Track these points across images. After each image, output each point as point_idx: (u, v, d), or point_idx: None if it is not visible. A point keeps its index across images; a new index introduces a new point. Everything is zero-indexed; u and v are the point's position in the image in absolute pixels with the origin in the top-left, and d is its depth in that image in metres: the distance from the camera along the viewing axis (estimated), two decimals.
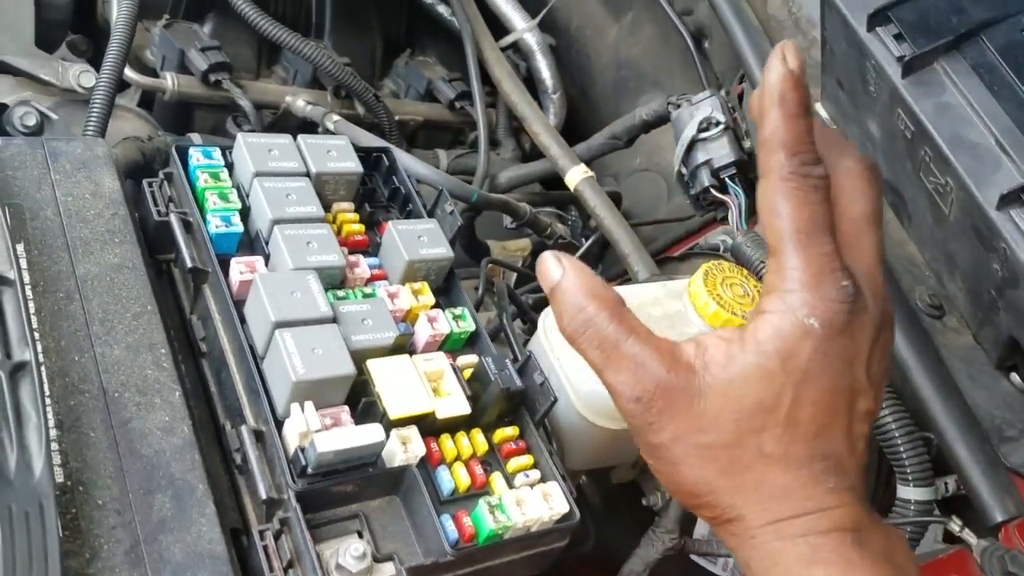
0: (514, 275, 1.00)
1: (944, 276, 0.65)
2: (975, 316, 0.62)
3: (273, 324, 0.50)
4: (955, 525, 0.59)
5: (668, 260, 0.96)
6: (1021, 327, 0.56)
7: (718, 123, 0.79)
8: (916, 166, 0.61)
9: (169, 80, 0.92)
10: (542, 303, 0.93)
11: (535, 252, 1.05)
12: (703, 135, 0.79)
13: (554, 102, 1.20)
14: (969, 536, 0.58)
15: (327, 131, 0.93)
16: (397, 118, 1.06)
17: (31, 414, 0.41)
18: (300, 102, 0.97)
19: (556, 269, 0.43)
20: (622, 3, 1.24)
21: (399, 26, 1.20)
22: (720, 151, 0.78)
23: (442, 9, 1.13)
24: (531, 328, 0.87)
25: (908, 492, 0.63)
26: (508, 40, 1.14)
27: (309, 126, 1.00)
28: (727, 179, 0.78)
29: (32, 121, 0.84)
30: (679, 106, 0.84)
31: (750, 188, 0.81)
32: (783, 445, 0.40)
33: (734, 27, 0.80)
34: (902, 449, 0.64)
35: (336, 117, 0.91)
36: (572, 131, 1.23)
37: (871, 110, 0.64)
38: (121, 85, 0.84)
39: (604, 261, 1.06)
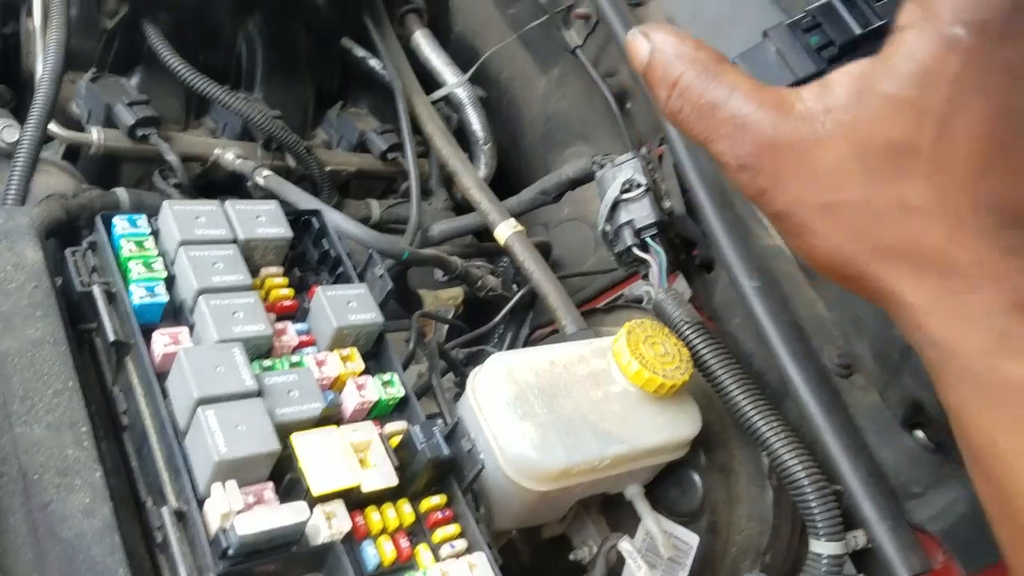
0: (446, 327, 1.01)
1: (852, 337, 0.68)
2: (881, 376, 0.66)
3: (196, 401, 0.50)
4: None
5: (595, 312, 0.99)
6: (925, 390, 0.59)
7: (639, 185, 0.82)
8: None
9: (95, 134, 0.91)
10: (473, 357, 0.94)
11: (468, 301, 1.06)
12: (625, 196, 0.82)
13: (485, 152, 1.22)
14: None
15: (256, 185, 0.93)
16: (329, 168, 1.07)
17: None
18: (229, 155, 0.97)
19: (643, 47, 0.38)
20: (549, 58, 1.27)
21: (331, 78, 1.21)
22: (641, 212, 0.81)
23: (373, 63, 1.14)
24: (463, 382, 0.88)
25: (819, 546, 0.65)
26: (439, 94, 1.16)
27: (239, 179, 1.00)
28: (648, 239, 0.81)
29: None
30: (603, 166, 0.87)
31: (670, 247, 0.84)
32: (933, 192, 0.33)
33: None
34: (813, 503, 0.66)
35: (266, 172, 0.91)
36: (504, 179, 1.26)
37: None
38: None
39: (535, 311, 1.08)
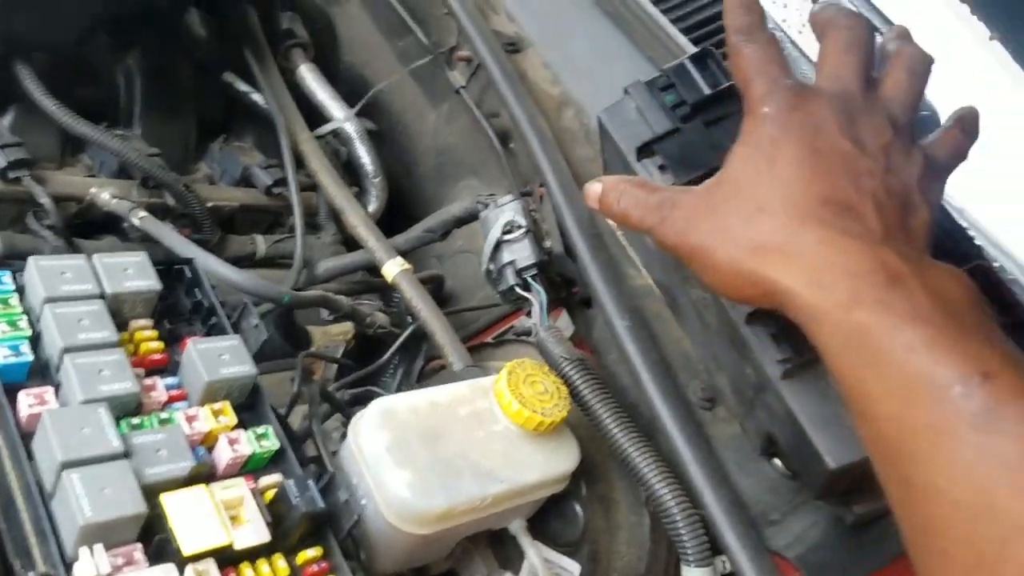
0: (335, 367, 1.01)
1: (713, 372, 0.72)
2: (739, 409, 0.70)
3: (60, 464, 0.50)
4: None
5: (485, 346, 1.01)
6: (774, 424, 0.63)
7: (520, 226, 0.84)
8: (683, 279, 0.68)
9: None
10: (360, 398, 0.95)
11: (360, 335, 1.07)
12: (507, 237, 0.84)
13: (375, 186, 1.22)
14: None
15: (132, 226, 0.91)
16: (211, 204, 1.06)
17: None
18: (105, 195, 0.95)
19: (596, 186, 0.60)
20: (439, 93, 1.29)
21: (214, 111, 1.20)
22: (523, 253, 0.83)
23: (256, 97, 1.14)
24: (348, 423, 0.88)
25: (690, 572, 0.69)
26: (326, 129, 1.16)
27: (116, 218, 0.98)
28: (530, 279, 0.83)
29: None
30: (487, 206, 0.90)
31: (551, 285, 0.87)
32: (777, 204, 0.47)
33: (530, 138, 0.86)
34: (682, 531, 0.69)
35: (143, 213, 0.90)
36: (398, 210, 1.27)
37: None
38: None
39: (428, 349, 1.09)
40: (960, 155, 0.55)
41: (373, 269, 1.07)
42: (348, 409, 0.84)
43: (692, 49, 0.89)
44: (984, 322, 0.43)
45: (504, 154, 1.02)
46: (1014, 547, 0.38)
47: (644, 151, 0.65)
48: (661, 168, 0.65)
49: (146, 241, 0.98)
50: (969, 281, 0.46)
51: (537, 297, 0.83)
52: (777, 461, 0.70)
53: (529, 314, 0.87)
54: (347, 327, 1.08)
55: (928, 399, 0.40)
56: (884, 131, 0.50)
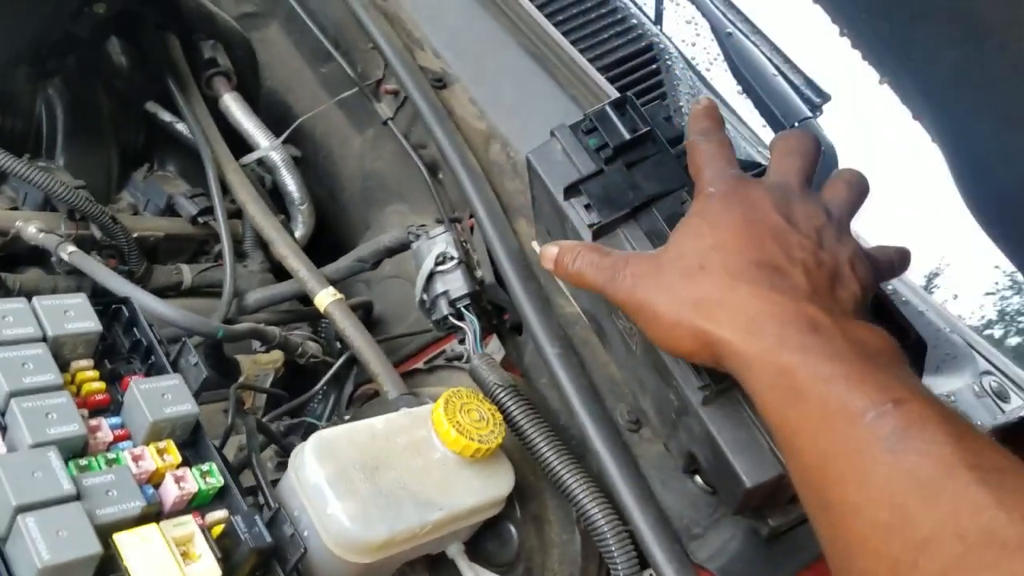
0: (265, 396, 1.02)
1: (638, 395, 0.77)
2: (663, 429, 0.74)
3: (14, 509, 0.50)
4: None
5: (418, 372, 1.03)
6: (694, 444, 0.68)
7: (452, 257, 0.88)
8: (609, 309, 0.73)
9: None
10: (294, 428, 0.96)
11: (288, 363, 1.07)
12: (440, 268, 0.87)
13: (302, 212, 1.24)
14: None
15: (60, 260, 0.91)
16: (136, 235, 1.05)
17: None
18: (31, 229, 0.94)
19: (552, 249, 0.66)
20: (364, 119, 1.31)
21: (136, 139, 1.19)
22: (455, 283, 0.87)
23: (180, 127, 1.14)
24: (284, 452, 0.90)
25: None
26: (252, 157, 1.17)
27: (42, 251, 0.98)
28: (463, 308, 0.87)
29: None
30: (419, 236, 0.92)
31: (483, 313, 0.90)
32: (718, 264, 0.53)
33: (459, 171, 0.89)
34: (612, 547, 0.73)
35: (71, 248, 0.90)
36: (322, 233, 1.28)
37: None
38: None
39: (358, 368, 1.11)
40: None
41: (303, 298, 1.08)
42: (283, 440, 0.85)
43: (609, 88, 0.94)
44: (898, 365, 0.48)
45: (432, 184, 1.05)
46: (926, 557, 0.41)
47: (571, 191, 0.69)
48: (587, 207, 0.69)
49: (72, 274, 0.98)
50: (891, 339, 0.51)
51: (470, 326, 0.86)
52: (698, 478, 0.75)
53: (462, 341, 0.90)
54: (276, 356, 1.09)
55: (844, 426, 0.45)
56: (818, 216, 0.57)
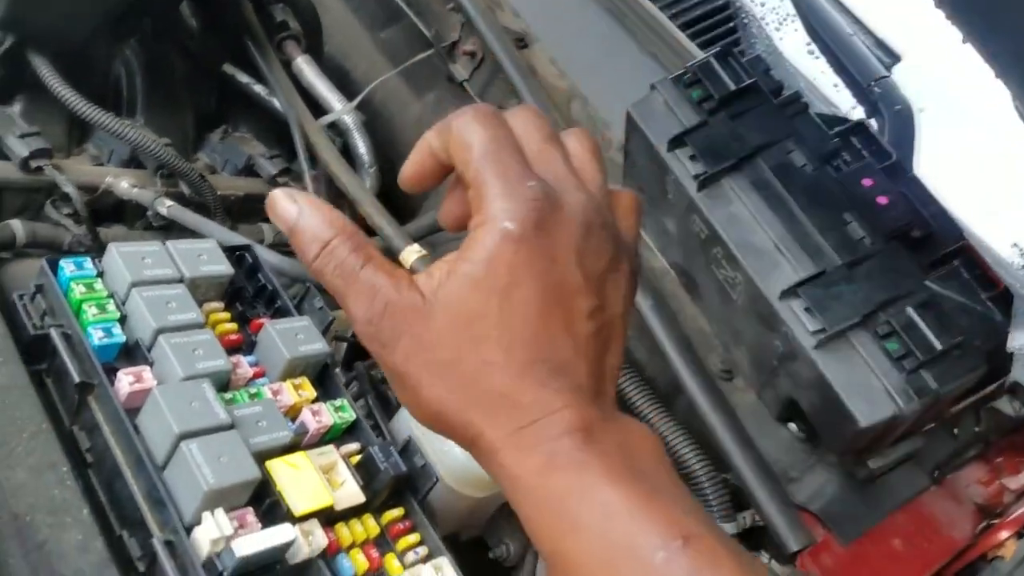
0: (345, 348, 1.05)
1: (731, 346, 0.79)
2: (758, 379, 0.77)
3: (177, 436, 0.53)
4: (764, 557, 0.72)
5: None
6: (798, 391, 0.70)
7: None
8: (708, 260, 0.75)
9: None
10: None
11: None
12: None
13: (370, 175, 1.25)
14: (775, 566, 0.71)
15: (158, 215, 0.93)
16: (220, 193, 1.08)
17: None
18: (124, 184, 0.96)
19: (292, 208, 0.44)
20: (423, 84, 1.32)
21: (209, 101, 1.21)
22: None
23: (259, 88, 1.16)
24: (377, 399, 0.92)
25: None
26: (327, 120, 1.18)
27: (124, 207, 1.00)
28: None
29: None
30: None
31: None
32: (501, 350, 0.41)
33: None
34: (707, 488, 0.77)
35: (168, 202, 0.92)
36: (383, 200, 1.30)
37: (669, 213, 0.77)
38: None
39: None
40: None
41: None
42: (382, 386, 0.88)
43: (690, 45, 0.96)
44: (672, 480, 0.44)
45: None
46: None
47: (675, 142, 0.71)
48: (692, 158, 0.71)
49: (157, 230, 1.00)
50: (654, 436, 0.46)
51: None
52: (792, 425, 0.78)
53: None
54: None
55: (631, 567, 0.40)
56: (608, 246, 0.44)
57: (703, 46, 0.98)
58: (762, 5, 1.15)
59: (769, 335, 0.70)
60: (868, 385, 0.64)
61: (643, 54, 0.98)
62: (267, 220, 1.20)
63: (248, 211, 1.18)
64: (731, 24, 1.11)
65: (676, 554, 0.39)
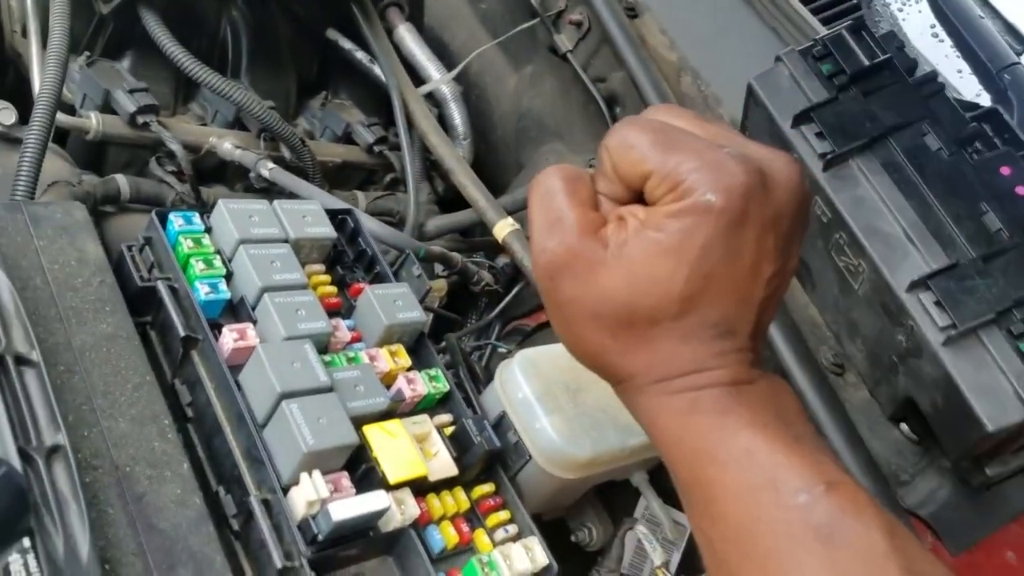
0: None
1: (844, 338, 0.75)
2: (872, 375, 0.72)
3: (279, 395, 0.52)
4: None
5: None
6: (919, 390, 0.66)
7: None
8: (828, 246, 0.70)
9: (94, 120, 0.89)
10: (475, 350, 0.97)
11: (452, 292, 1.09)
12: None
13: (464, 148, 1.24)
14: None
15: (260, 177, 0.93)
16: (319, 159, 1.08)
17: (69, 498, 0.41)
18: (227, 145, 0.97)
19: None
20: (521, 55, 1.30)
21: (311, 67, 1.21)
22: None
23: (360, 55, 1.15)
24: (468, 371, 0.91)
25: None
26: (425, 89, 1.17)
27: (224, 168, 1.01)
28: None
29: None
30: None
31: None
32: (675, 313, 0.42)
33: (654, 102, 0.88)
34: None
35: (271, 165, 0.92)
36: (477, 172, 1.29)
37: None
38: None
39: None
40: None
41: (469, 230, 1.09)
42: (472, 358, 0.86)
43: (814, 21, 0.90)
44: (814, 433, 0.44)
45: (610, 118, 1.04)
46: None
47: (801, 118, 0.67)
48: (818, 135, 0.67)
49: (258, 192, 1.01)
50: (794, 393, 0.46)
51: None
52: (904, 426, 0.73)
53: None
54: (440, 284, 1.10)
55: (772, 505, 0.40)
56: (790, 213, 0.44)
57: (825, 23, 0.92)
58: None
59: (891, 329, 0.66)
60: (998, 387, 0.59)
61: (765, 28, 0.93)
62: (362, 187, 1.21)
63: (344, 178, 1.19)
64: (854, 1, 1.05)
65: (819, 498, 0.39)
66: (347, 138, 1.15)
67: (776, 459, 0.40)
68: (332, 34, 1.17)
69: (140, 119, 0.92)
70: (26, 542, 0.38)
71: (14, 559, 0.37)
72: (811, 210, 0.45)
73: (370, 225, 0.79)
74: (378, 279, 0.68)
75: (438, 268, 0.99)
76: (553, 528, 0.80)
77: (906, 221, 0.64)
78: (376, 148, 1.13)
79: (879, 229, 0.64)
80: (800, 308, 0.78)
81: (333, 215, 0.69)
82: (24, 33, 0.96)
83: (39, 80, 0.89)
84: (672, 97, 0.89)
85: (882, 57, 0.66)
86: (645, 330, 0.43)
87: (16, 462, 0.39)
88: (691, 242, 0.41)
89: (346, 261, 0.69)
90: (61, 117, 0.90)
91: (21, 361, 0.44)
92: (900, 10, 1.07)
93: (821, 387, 0.71)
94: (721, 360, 0.43)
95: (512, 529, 0.59)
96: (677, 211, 0.41)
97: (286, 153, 1.02)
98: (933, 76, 0.70)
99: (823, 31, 0.88)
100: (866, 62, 0.66)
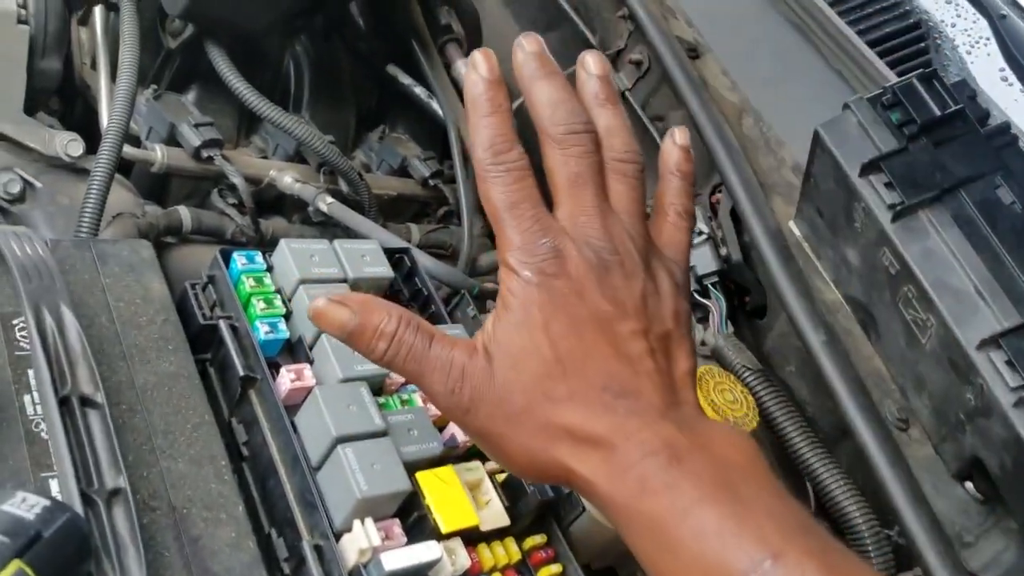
0: None
1: (909, 392, 0.72)
2: (938, 431, 0.70)
3: (334, 439, 0.52)
4: None
5: None
6: (987, 449, 0.63)
7: (700, 232, 0.85)
8: (896, 298, 0.68)
9: (159, 153, 0.91)
10: None
11: None
12: None
13: None
14: None
15: (318, 211, 0.94)
16: (375, 192, 1.09)
17: (127, 541, 0.41)
18: (287, 179, 0.98)
19: (342, 312, 0.47)
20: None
21: (370, 101, 1.23)
22: (703, 259, 0.85)
23: (419, 90, 1.16)
24: None
25: None
26: None
27: (283, 201, 1.02)
28: (709, 285, 0.84)
29: (16, 188, 0.83)
30: None
31: (729, 295, 0.87)
32: (564, 386, 0.44)
33: (715, 144, 0.87)
34: (869, 546, 0.71)
35: (329, 199, 0.93)
36: None
37: (853, 242, 0.72)
38: None
39: None
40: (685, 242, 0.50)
41: None
42: None
43: (881, 65, 0.89)
44: (765, 487, 0.43)
45: None
46: None
47: (869, 168, 0.66)
48: (887, 186, 0.65)
49: (315, 225, 1.02)
50: (748, 440, 0.45)
51: (717, 304, 0.84)
52: (969, 484, 0.70)
53: (705, 319, 0.88)
54: None
55: None
56: (636, 274, 0.46)
57: (891, 66, 0.91)
58: (953, 26, 1.06)
59: (959, 386, 0.63)
60: None
61: (829, 71, 0.92)
62: (415, 220, 1.21)
63: (398, 210, 1.19)
64: (922, 44, 1.03)
65: (766, 574, 0.39)
66: (403, 171, 1.16)
67: (723, 539, 0.40)
68: (392, 69, 1.18)
69: (204, 153, 0.93)
70: None
71: None
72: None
73: (426, 263, 0.79)
74: (433, 319, 0.68)
75: (491, 305, 0.99)
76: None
77: (977, 276, 0.62)
78: (431, 182, 1.14)
79: (949, 284, 0.62)
80: (864, 359, 0.76)
81: (390, 254, 0.69)
82: (94, 65, 0.99)
83: (107, 113, 0.91)
84: (733, 138, 0.87)
85: (954, 107, 0.65)
86: (549, 413, 0.44)
87: (78, 506, 0.39)
88: (530, 309, 0.44)
89: (402, 300, 0.69)
90: (127, 149, 0.92)
91: (86, 402, 0.45)
92: (968, 52, 1.05)
93: (885, 442, 0.69)
94: (636, 420, 0.43)
95: None
96: (509, 286, 0.45)
97: (344, 186, 1.03)
98: (1007, 127, 0.68)
99: (888, 74, 0.87)
100: (937, 112, 0.65)
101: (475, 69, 0.47)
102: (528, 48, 0.48)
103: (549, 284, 0.44)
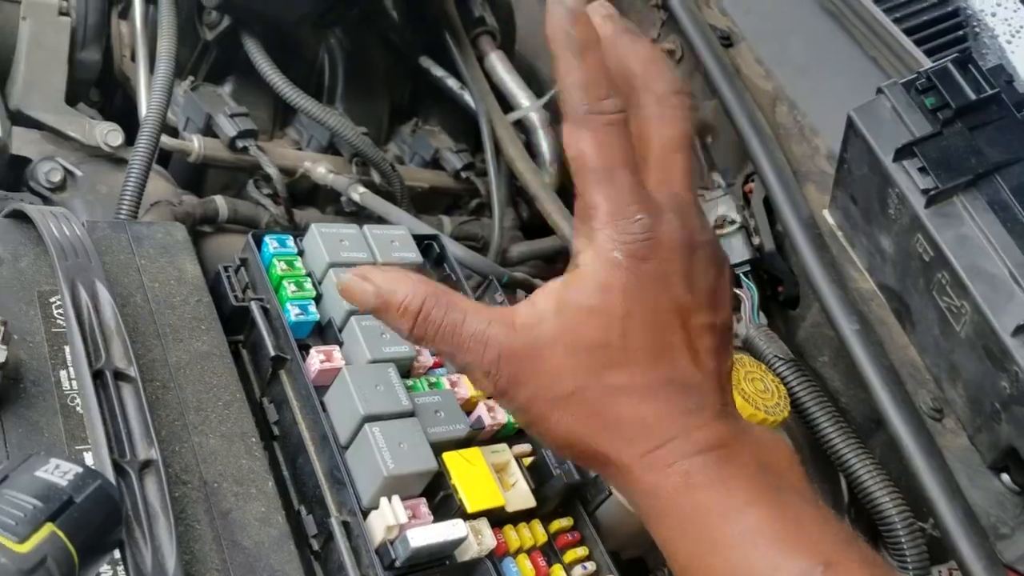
0: None
1: (944, 382, 0.71)
2: (973, 421, 0.69)
3: (362, 418, 0.53)
4: None
5: None
6: (1022, 438, 0.62)
7: (733, 222, 0.85)
8: (930, 285, 0.67)
9: (196, 143, 0.93)
10: None
11: None
12: (719, 232, 0.85)
13: (551, 175, 1.24)
14: None
15: (351, 201, 0.95)
16: (407, 184, 1.09)
17: (159, 512, 0.42)
18: (321, 169, 0.99)
19: (368, 288, 0.45)
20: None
21: (403, 93, 1.24)
22: (736, 248, 0.84)
23: (451, 82, 1.17)
24: None
25: None
26: (514, 116, 1.18)
27: (316, 191, 1.04)
28: (741, 275, 0.84)
29: (57, 177, 0.85)
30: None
31: (762, 285, 0.87)
32: (626, 376, 0.41)
33: (747, 132, 0.86)
34: (903, 539, 0.70)
35: (362, 189, 0.94)
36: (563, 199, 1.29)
37: (887, 229, 0.71)
38: None
39: None
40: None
41: (552, 257, 1.09)
42: None
43: (918, 53, 0.88)
44: (811, 497, 0.43)
45: (699, 147, 1.02)
46: None
47: (903, 152, 0.65)
48: (921, 171, 0.64)
49: (348, 215, 1.03)
50: (787, 445, 0.45)
51: (749, 294, 0.83)
52: (1006, 476, 0.69)
53: (736, 310, 0.88)
54: None
55: None
56: (712, 262, 0.44)
57: (928, 55, 0.89)
58: (993, 15, 1.04)
59: (995, 374, 0.62)
60: None
61: (865, 58, 0.90)
62: (448, 212, 1.22)
63: (431, 202, 1.20)
64: (960, 32, 1.01)
65: None
66: (435, 163, 1.17)
67: (777, 541, 0.39)
68: (425, 61, 1.19)
69: (240, 143, 0.95)
70: (116, 553, 0.39)
71: (104, 570, 0.38)
72: (718, 253, 0.44)
73: (455, 250, 0.79)
74: None
75: (520, 295, 0.99)
76: (632, 567, 0.78)
77: (1012, 262, 0.61)
78: (463, 174, 1.15)
79: (984, 269, 0.61)
80: (898, 348, 0.75)
81: (420, 240, 0.70)
82: (133, 58, 1.01)
83: (145, 104, 0.93)
84: (766, 127, 0.87)
85: (990, 92, 0.64)
86: (604, 400, 0.42)
87: (111, 475, 0.40)
88: (612, 296, 0.41)
89: None
90: (165, 139, 0.94)
91: (119, 376, 0.46)
92: (1009, 42, 1.03)
93: (919, 433, 0.68)
94: (695, 419, 0.41)
95: (590, 566, 0.58)
96: (591, 268, 0.42)
97: (376, 177, 1.04)
98: None
99: (925, 61, 0.86)
100: (973, 96, 0.64)
101: (559, 3, 0.42)
102: (563, 8, 0.42)
103: (638, 268, 0.41)
